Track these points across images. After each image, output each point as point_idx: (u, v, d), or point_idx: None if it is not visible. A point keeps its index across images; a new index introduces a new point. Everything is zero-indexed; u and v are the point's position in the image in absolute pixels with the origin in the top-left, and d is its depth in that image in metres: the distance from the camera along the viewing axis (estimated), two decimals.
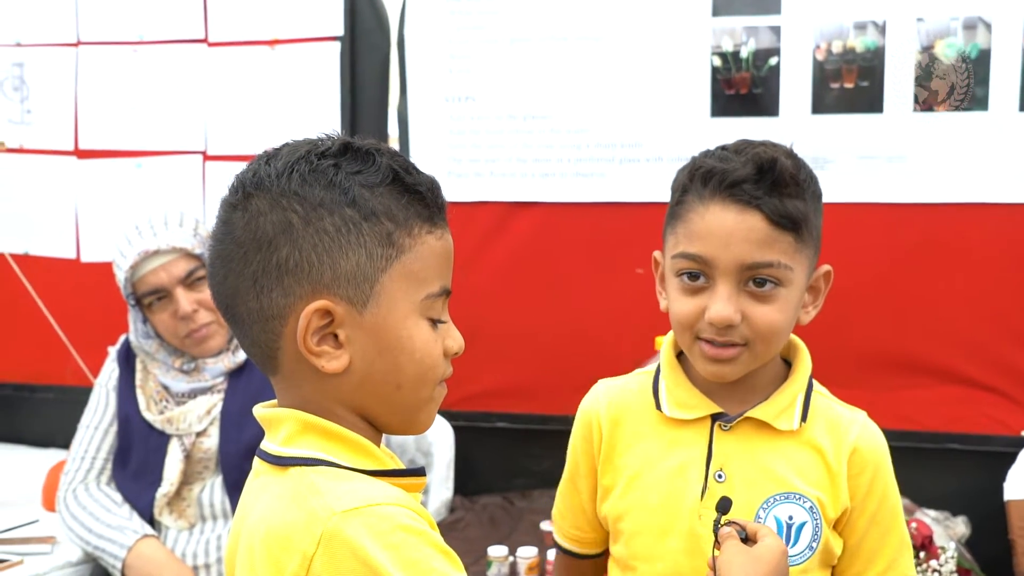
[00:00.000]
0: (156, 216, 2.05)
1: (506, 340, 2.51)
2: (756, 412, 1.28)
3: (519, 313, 2.53)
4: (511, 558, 1.99)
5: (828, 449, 1.27)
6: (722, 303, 1.23)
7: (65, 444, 2.46)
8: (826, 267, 1.29)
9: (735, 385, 1.29)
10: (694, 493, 1.28)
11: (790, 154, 1.25)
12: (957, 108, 2.27)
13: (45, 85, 2.81)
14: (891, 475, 1.29)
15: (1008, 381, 2.31)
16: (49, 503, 2.30)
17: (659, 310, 2.54)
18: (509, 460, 2.63)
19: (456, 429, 2.51)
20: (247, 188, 0.96)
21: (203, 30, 2.70)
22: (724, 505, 1.21)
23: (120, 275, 2.00)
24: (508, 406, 2.59)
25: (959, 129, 2.28)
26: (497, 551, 1.99)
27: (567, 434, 2.54)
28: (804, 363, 1.31)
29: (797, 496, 1.26)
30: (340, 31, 2.61)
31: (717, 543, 1.16)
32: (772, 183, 1.22)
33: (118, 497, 2.04)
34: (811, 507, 1.26)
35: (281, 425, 0.97)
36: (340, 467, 0.94)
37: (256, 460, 1.00)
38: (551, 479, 2.56)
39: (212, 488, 2.01)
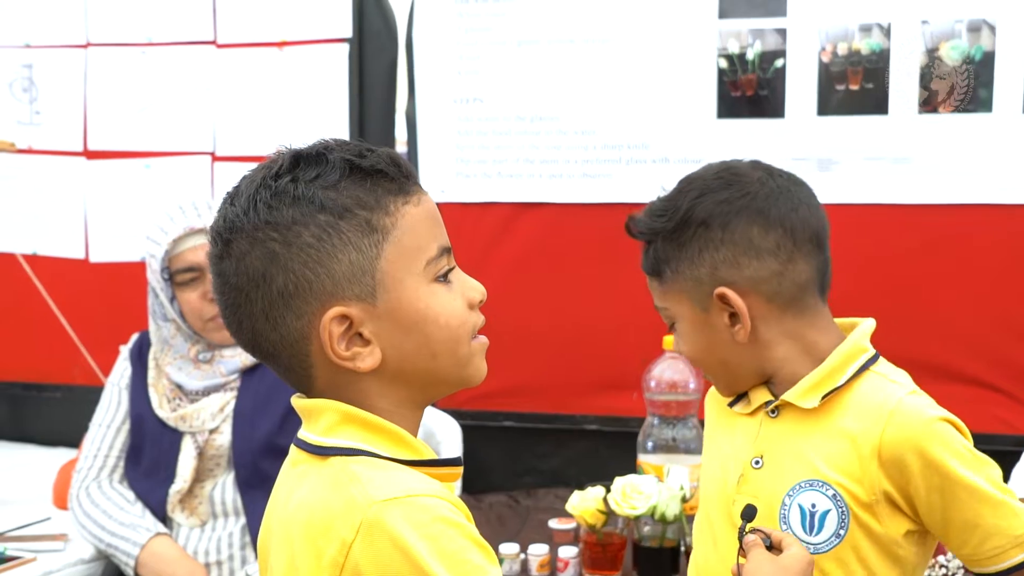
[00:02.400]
0: (200, 199, 2.09)
1: (514, 340, 2.52)
2: (787, 395, 1.32)
3: (527, 313, 2.54)
4: (522, 556, 2.00)
5: (858, 433, 1.27)
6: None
7: (74, 443, 2.48)
8: (718, 290, 1.31)
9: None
10: (734, 479, 1.34)
11: (663, 197, 1.37)
12: (957, 109, 2.29)
13: (54, 86, 2.82)
14: (948, 446, 1.25)
15: (1013, 381, 2.32)
16: (60, 501, 2.32)
17: None
18: (516, 459, 2.65)
19: (464, 428, 2.52)
20: (224, 236, 0.97)
21: (212, 32, 2.71)
22: (749, 513, 1.22)
23: (156, 250, 2.00)
24: (515, 405, 2.60)
25: (964, 131, 2.30)
26: (508, 549, 2.00)
27: (574, 433, 2.59)
28: (846, 344, 1.32)
29: (820, 483, 1.28)
30: (348, 33, 2.63)
31: (742, 551, 1.17)
32: (636, 236, 1.39)
33: (131, 495, 2.05)
34: (834, 494, 1.27)
35: (321, 415, 0.98)
36: (379, 457, 0.95)
37: (293, 449, 1.02)
38: (558, 478, 2.61)
39: (224, 485, 2.02)
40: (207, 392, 2.04)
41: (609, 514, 1.93)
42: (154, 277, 2.03)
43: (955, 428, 1.28)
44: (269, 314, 0.96)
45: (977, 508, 1.26)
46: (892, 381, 1.31)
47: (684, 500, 1.93)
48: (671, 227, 1.33)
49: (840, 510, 1.27)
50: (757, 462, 1.33)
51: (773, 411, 1.34)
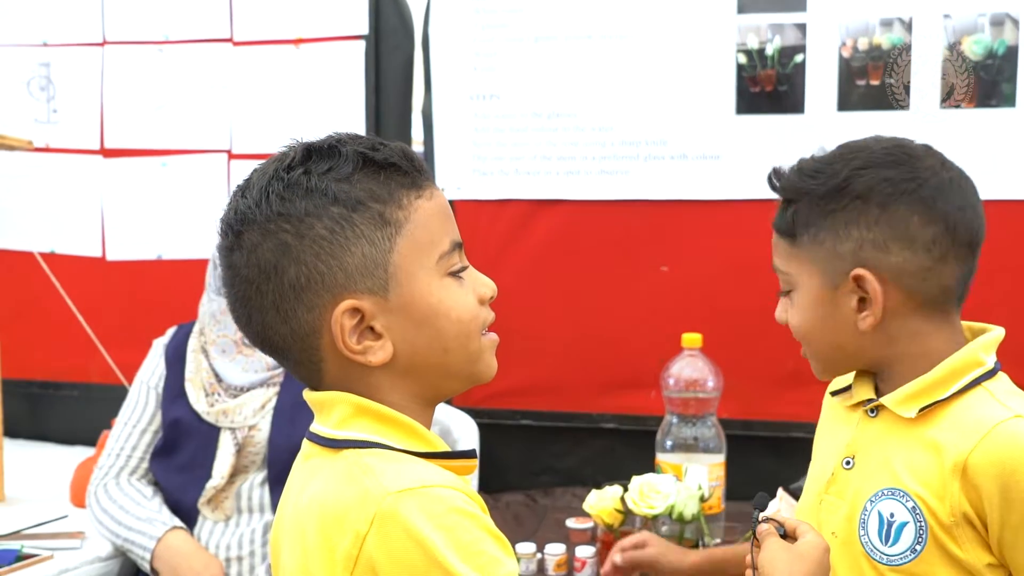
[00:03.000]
0: None
1: (531, 337, 2.51)
2: (886, 399, 1.26)
3: (544, 310, 2.53)
4: (539, 555, 1.99)
5: (946, 446, 1.19)
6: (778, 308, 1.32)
7: (91, 441, 2.48)
8: (856, 271, 1.22)
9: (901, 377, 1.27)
10: (825, 478, 1.30)
11: (818, 158, 1.27)
12: (979, 104, 2.26)
13: (71, 85, 2.83)
14: None
15: None
16: (77, 499, 2.32)
17: (684, 308, 2.56)
18: (533, 458, 2.64)
19: (480, 426, 2.51)
20: (235, 227, 0.97)
21: (228, 29, 2.71)
22: (761, 502, 1.20)
23: None
24: (532, 404, 2.59)
25: (986, 126, 2.27)
26: (525, 548, 1.99)
27: (591, 431, 2.58)
28: (959, 355, 1.24)
29: (901, 493, 1.21)
30: (365, 30, 2.62)
31: (756, 540, 1.16)
32: (779, 191, 1.28)
33: (148, 491, 2.05)
34: (913, 507, 1.20)
35: (334, 408, 0.98)
36: (393, 449, 0.95)
37: (306, 443, 1.01)
38: (575, 476, 2.60)
39: (253, 482, 2.01)
40: (250, 387, 2.03)
41: (627, 513, 1.91)
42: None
43: None
44: (280, 307, 0.95)
45: None
46: (1000, 402, 1.21)
47: (703, 499, 1.91)
48: (822, 192, 1.23)
49: (918, 524, 1.20)
50: (848, 463, 1.28)
51: (872, 411, 1.28)
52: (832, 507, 1.28)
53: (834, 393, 1.37)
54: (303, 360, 0.98)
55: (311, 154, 0.96)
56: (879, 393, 1.29)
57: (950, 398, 1.22)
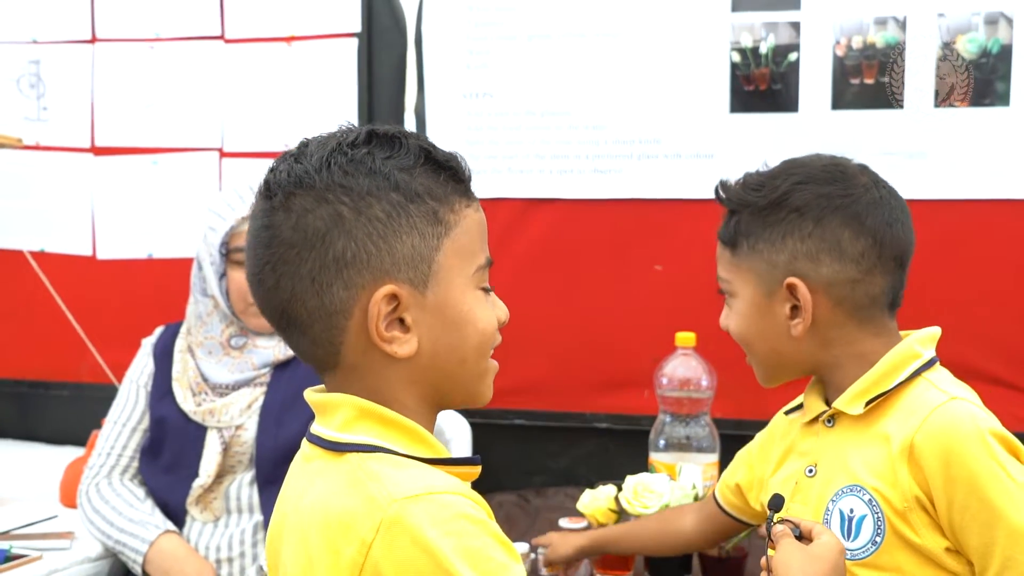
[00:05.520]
0: None
1: (524, 337, 2.49)
2: (836, 402, 1.32)
3: (537, 310, 2.52)
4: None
5: (894, 437, 1.24)
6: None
7: (81, 441, 2.47)
8: (788, 280, 1.30)
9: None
10: (790, 488, 1.35)
11: (762, 172, 1.36)
12: (973, 103, 2.26)
13: (61, 82, 2.81)
14: (980, 460, 1.19)
15: None
16: (67, 499, 2.31)
17: (678, 307, 2.55)
18: (526, 457, 2.63)
19: (473, 426, 2.50)
20: (286, 188, 0.95)
21: (220, 27, 2.70)
22: (776, 503, 1.20)
23: (219, 224, 1.98)
24: (525, 403, 2.58)
25: (980, 125, 2.27)
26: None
27: (585, 431, 2.57)
28: (896, 349, 1.31)
29: (859, 488, 1.26)
30: (357, 28, 2.61)
31: (771, 542, 1.15)
32: (724, 202, 1.38)
33: (140, 492, 2.03)
34: (870, 499, 1.25)
35: (337, 410, 0.97)
36: (397, 454, 0.94)
37: (306, 444, 1.00)
38: (568, 476, 2.59)
39: (241, 482, 2.00)
40: (236, 387, 2.02)
41: (620, 513, 1.90)
42: (207, 250, 2.00)
43: (1004, 446, 1.21)
44: (317, 277, 0.94)
45: (992, 534, 1.19)
46: (939, 388, 1.26)
47: (696, 499, 1.90)
48: (763, 204, 1.32)
49: (876, 516, 1.24)
50: (811, 470, 1.33)
51: (829, 420, 1.33)
52: (798, 515, 1.31)
53: (788, 412, 1.43)
54: (322, 339, 0.97)
55: (373, 138, 0.97)
56: (829, 404, 1.34)
57: (894, 391, 1.28)
